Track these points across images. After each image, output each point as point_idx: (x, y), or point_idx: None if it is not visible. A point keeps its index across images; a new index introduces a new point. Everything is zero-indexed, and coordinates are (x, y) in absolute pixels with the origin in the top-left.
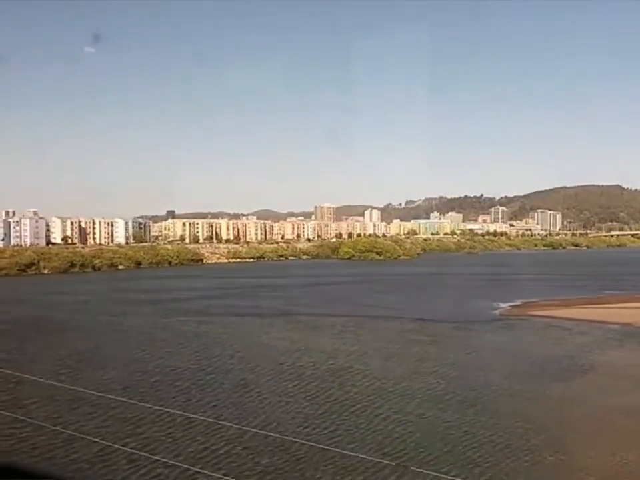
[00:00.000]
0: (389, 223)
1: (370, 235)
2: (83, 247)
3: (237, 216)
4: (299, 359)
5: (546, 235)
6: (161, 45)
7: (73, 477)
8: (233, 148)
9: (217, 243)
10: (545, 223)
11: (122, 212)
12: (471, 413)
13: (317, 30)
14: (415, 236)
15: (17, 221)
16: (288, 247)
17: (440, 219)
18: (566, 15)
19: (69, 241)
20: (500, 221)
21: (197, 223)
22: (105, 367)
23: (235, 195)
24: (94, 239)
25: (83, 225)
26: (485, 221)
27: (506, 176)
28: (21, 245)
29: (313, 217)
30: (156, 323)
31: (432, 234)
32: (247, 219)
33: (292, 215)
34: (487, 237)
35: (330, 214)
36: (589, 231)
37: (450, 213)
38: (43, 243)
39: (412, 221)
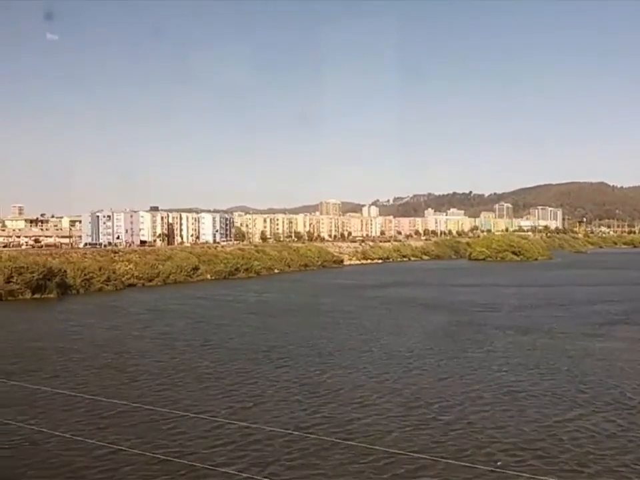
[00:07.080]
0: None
1: (435, 233)
2: (217, 246)
3: (216, 212)
4: None
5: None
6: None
7: None
8: (208, 144)
9: (342, 241)
10: (545, 220)
11: (98, 207)
12: None
13: (296, 19)
14: (496, 233)
15: (108, 217)
16: (406, 246)
17: (446, 214)
18: (547, 7)
19: (164, 238)
20: (505, 217)
21: (277, 219)
22: None
23: (209, 191)
24: (180, 235)
25: (170, 219)
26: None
27: (491, 173)
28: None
29: (318, 212)
30: None
31: (488, 230)
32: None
33: (272, 211)
34: (564, 235)
35: (336, 210)
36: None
37: (452, 210)
38: (137, 241)
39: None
